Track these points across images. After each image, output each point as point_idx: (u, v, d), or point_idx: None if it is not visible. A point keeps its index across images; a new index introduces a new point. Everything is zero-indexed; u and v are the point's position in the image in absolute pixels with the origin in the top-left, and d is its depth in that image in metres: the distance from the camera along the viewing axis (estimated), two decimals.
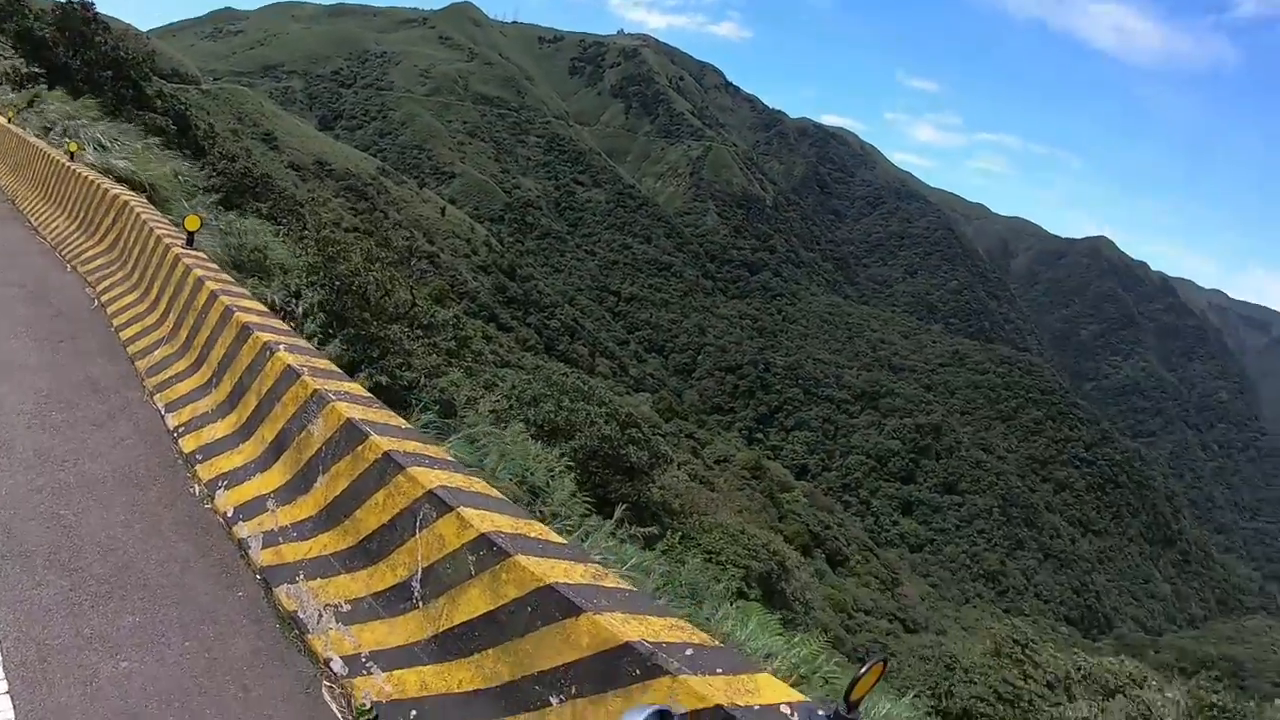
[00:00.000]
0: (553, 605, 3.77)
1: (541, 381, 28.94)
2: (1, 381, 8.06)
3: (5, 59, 33.35)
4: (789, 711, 3.31)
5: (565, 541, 4.38)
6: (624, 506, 11.27)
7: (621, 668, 3.48)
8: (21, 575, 5.13)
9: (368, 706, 4.31)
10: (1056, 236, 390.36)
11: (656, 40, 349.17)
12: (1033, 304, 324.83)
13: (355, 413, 5.42)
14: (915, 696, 11.40)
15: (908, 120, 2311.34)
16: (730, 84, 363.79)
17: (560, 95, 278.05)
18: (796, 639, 8.78)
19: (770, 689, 3.42)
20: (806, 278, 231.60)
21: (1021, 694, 19.79)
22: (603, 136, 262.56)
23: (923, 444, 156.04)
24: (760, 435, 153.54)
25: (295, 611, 5.01)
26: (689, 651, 3.49)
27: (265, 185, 65.54)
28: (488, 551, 4.11)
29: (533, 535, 4.28)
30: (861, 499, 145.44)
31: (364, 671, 4.46)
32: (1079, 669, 21.29)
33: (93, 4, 34.78)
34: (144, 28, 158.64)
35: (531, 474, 9.52)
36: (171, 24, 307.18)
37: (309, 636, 4.83)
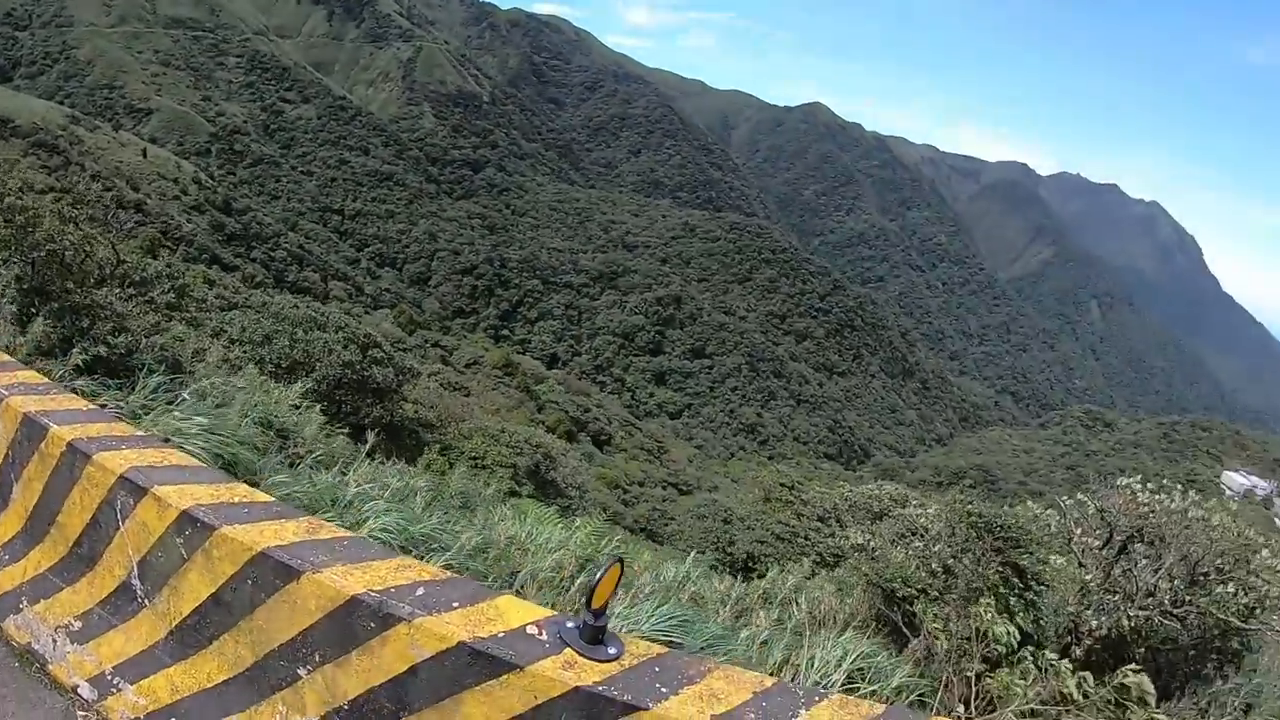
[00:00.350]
0: (270, 573, 3.63)
1: (271, 318, 27.97)
2: None
3: None
4: (536, 631, 3.40)
5: (273, 499, 4.16)
6: (376, 432, 11.15)
7: (355, 624, 3.41)
8: None
9: None
10: (774, 105, 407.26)
11: None
12: (756, 171, 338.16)
13: (31, 405, 4.96)
14: (699, 553, 11.73)
15: (621, 3, 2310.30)
16: None
17: (258, 8, 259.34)
18: (577, 524, 9.47)
19: (513, 611, 3.48)
20: (531, 169, 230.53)
21: (797, 531, 21.10)
22: (307, 48, 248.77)
23: (666, 315, 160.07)
24: (506, 332, 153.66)
25: (29, 643, 4.55)
26: (420, 591, 3.45)
27: None
28: (193, 529, 3.89)
29: (237, 500, 4.06)
30: (615, 377, 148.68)
31: (113, 690, 4.15)
32: (845, 499, 22.53)
33: None
34: None
35: (276, 416, 9.30)
36: None
37: (51, 667, 4.41)
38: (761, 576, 10.22)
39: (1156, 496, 7.17)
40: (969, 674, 6.39)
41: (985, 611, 6.46)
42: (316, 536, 3.78)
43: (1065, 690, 5.94)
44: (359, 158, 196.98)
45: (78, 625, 4.42)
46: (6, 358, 6.19)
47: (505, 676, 3.17)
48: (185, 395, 7.51)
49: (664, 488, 69.93)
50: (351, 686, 3.45)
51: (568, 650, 3.29)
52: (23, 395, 5.12)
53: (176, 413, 6.20)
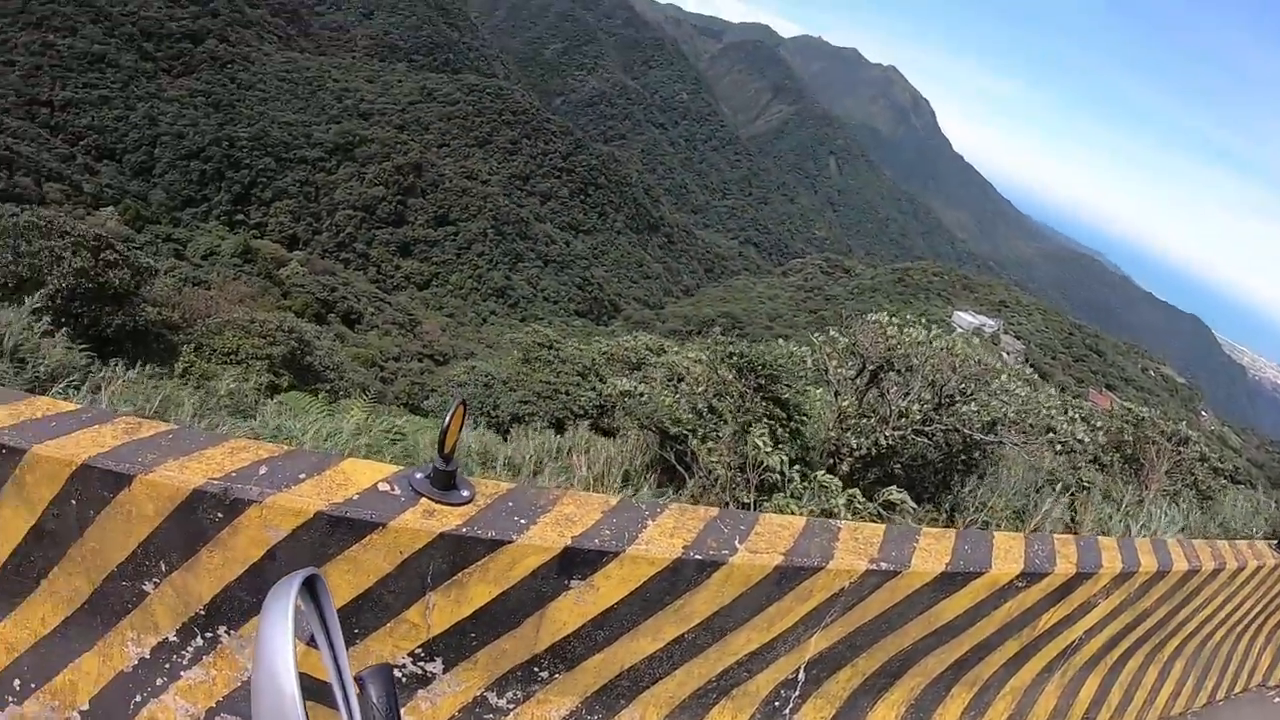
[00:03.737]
0: (96, 485, 3.17)
1: None
2: None
3: None
4: (389, 488, 3.30)
5: (78, 406, 3.62)
6: (123, 361, 10.26)
7: (200, 519, 3.15)
8: None
9: None
10: None
11: None
12: (495, 31, 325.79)
13: None
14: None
15: None
16: None
17: None
18: (353, 411, 9.70)
19: (361, 472, 3.37)
20: (257, 38, 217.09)
21: (559, 388, 21.34)
22: None
23: (406, 184, 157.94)
24: (241, 216, 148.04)
25: None
26: (263, 470, 3.24)
27: None
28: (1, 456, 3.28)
29: (40, 415, 3.45)
30: (359, 253, 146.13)
31: None
32: (603, 353, 23.36)
33: None
34: None
35: (3, 340, 8.56)
36: None
37: None
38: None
39: (904, 330, 7.85)
40: (746, 501, 6.99)
41: (759, 440, 6.86)
42: (138, 435, 3.36)
43: (834, 507, 6.51)
44: (65, 39, 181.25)
45: None
46: None
47: (369, 538, 3.14)
48: None
49: (421, 360, 71.36)
50: (205, 589, 3.28)
51: (424, 500, 3.28)
52: None
53: None
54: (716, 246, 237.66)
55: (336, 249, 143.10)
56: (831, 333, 8.46)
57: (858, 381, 8.07)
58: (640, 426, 8.35)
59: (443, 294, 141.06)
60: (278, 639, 1.32)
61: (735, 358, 7.76)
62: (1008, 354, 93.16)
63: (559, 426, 16.25)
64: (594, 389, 20.52)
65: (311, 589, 1.58)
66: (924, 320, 8.47)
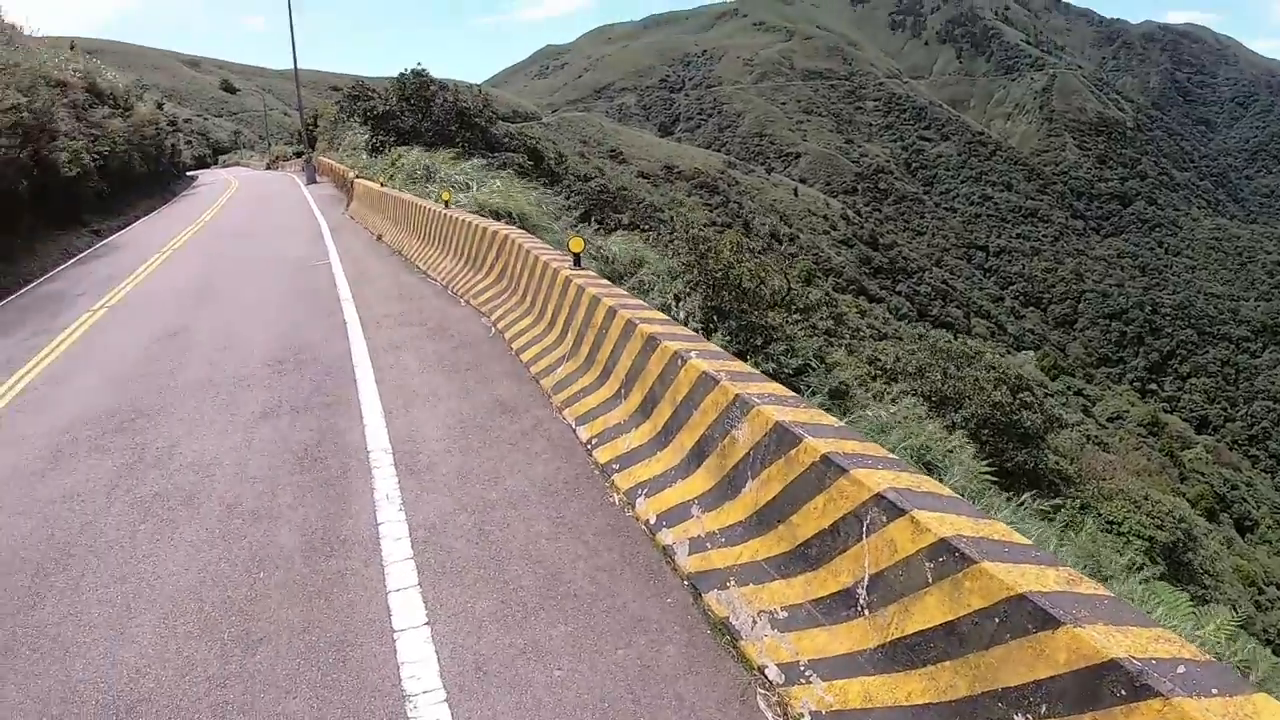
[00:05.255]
0: (1024, 617, 3.54)
1: (926, 350, 28.61)
2: (419, 409, 8.91)
3: (361, 135, 38.25)
4: None
5: (1030, 543, 4.07)
6: (1033, 492, 10.79)
7: (1104, 687, 3.25)
8: (455, 590, 5.49)
9: (805, 716, 4.28)
10: None
11: None
12: None
13: (784, 415, 5.35)
14: None
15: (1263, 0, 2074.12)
16: (1060, 1, 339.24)
17: (887, 53, 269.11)
18: (1215, 621, 8.47)
19: (1269, 712, 3.16)
20: (1184, 202, 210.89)
21: None
22: (940, 86, 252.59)
23: None
24: (1154, 386, 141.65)
25: (727, 618, 5.04)
26: (1181, 669, 3.25)
27: (621, 197, 68.61)
28: (948, 557, 3.91)
29: (996, 538, 4.00)
30: (1271, 452, 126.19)
31: (802, 680, 4.42)
32: None
33: (424, 70, 37.77)
34: (477, 81, 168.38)
35: (927, 449, 9.52)
36: (499, 73, 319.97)
37: (741, 643, 4.86)
38: None
39: None
40: None
41: None
42: (1077, 590, 3.65)
43: None
44: (1001, 193, 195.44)
45: (782, 614, 4.68)
46: (750, 369, 6.53)
47: None
48: (851, 419, 8.00)
49: None
50: None
51: None
52: (774, 406, 5.50)
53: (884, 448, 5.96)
54: None
55: (1248, 441, 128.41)
56: None
57: None
58: None
59: None
60: None
61: None
62: None
63: None
64: None
65: None
66: None
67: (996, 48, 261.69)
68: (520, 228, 16.39)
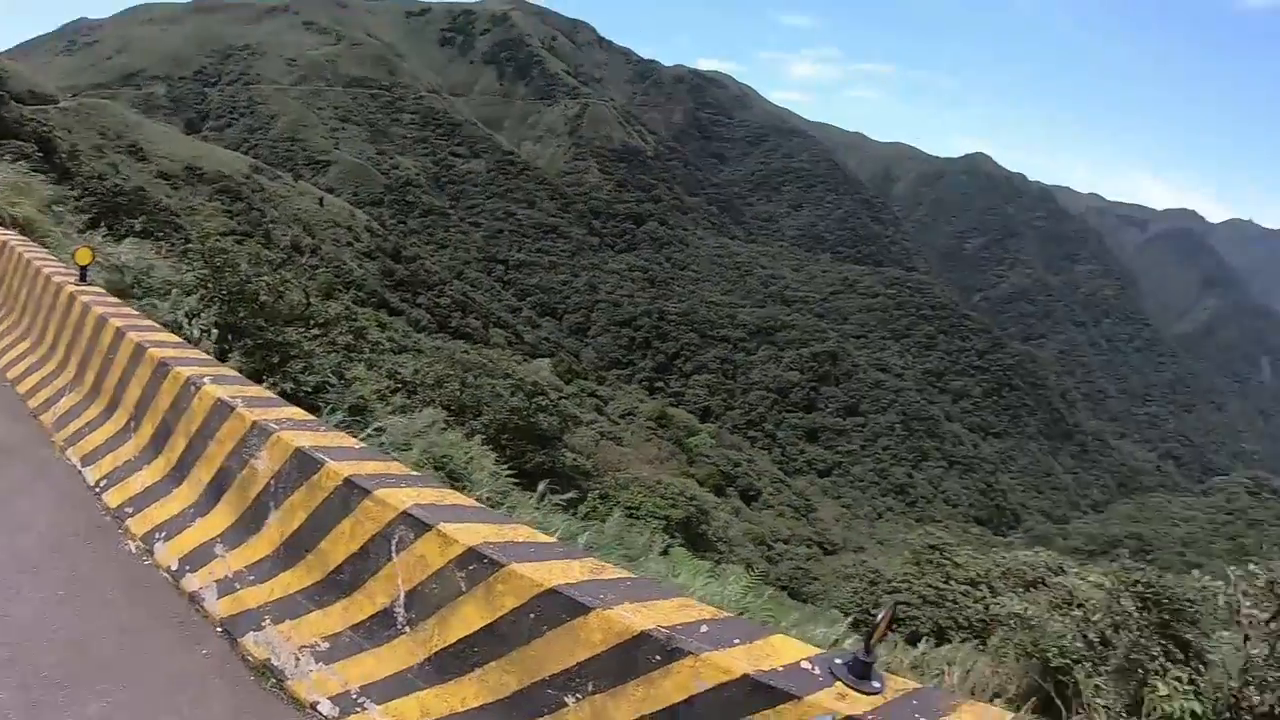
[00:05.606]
0: (558, 608, 3.81)
1: (444, 362, 28.89)
2: None
3: None
4: (810, 666, 3.53)
5: (554, 540, 4.39)
6: (547, 482, 10.91)
7: (640, 657, 3.58)
8: None
9: None
10: (935, 157, 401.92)
11: (527, 1, 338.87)
12: (918, 225, 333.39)
13: (304, 440, 5.27)
14: (847, 615, 11.78)
15: (784, 58, 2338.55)
16: (603, 39, 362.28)
17: (433, 69, 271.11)
18: (730, 578, 9.53)
19: (786, 649, 3.61)
20: (693, 223, 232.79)
21: (946, 595, 20.76)
22: (478, 105, 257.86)
23: (821, 372, 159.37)
24: (661, 384, 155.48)
25: (268, 659, 4.74)
26: (704, 628, 3.62)
27: (138, 200, 64.36)
28: (478, 565, 4.10)
29: (521, 540, 4.31)
30: (767, 433, 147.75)
31: (357, 709, 4.31)
32: (997, 565, 21.00)
33: None
34: None
35: (449, 459, 9.71)
36: (24, 43, 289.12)
37: (289, 683, 4.59)
38: (912, 643, 10.50)
39: None
40: None
41: (1167, 683, 6.28)
42: (601, 577, 4.01)
43: None
44: (525, 210, 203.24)
45: (325, 645, 4.68)
46: (270, 394, 6.40)
47: (781, 706, 3.33)
48: (366, 434, 7.88)
49: (809, 546, 70.04)
50: (620, 714, 3.64)
51: (838, 683, 3.44)
52: (293, 431, 5.40)
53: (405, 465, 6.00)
54: (1132, 458, 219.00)
55: (746, 426, 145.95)
56: (1250, 567, 6.86)
57: (1272, 626, 6.50)
58: (1024, 652, 7.69)
59: (842, 483, 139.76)
60: None
61: (1141, 587, 6.98)
62: None
63: (940, 636, 16.08)
64: (981, 601, 19.37)
65: None
66: None
67: (538, 74, 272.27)
68: (21, 231, 14.52)
